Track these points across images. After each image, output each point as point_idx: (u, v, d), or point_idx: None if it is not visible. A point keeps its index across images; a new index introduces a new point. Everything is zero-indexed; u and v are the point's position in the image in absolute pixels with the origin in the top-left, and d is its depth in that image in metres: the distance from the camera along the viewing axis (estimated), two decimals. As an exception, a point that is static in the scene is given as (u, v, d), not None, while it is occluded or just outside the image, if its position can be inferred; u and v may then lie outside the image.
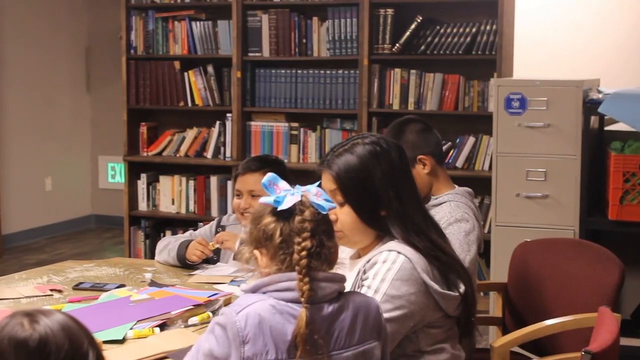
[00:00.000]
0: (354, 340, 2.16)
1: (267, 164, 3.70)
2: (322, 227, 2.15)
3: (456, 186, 3.33)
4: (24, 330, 1.57)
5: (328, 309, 2.12)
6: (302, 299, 2.07)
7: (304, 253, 2.09)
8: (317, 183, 2.25)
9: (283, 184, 2.18)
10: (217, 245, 3.65)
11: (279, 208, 2.13)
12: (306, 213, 2.12)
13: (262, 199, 2.17)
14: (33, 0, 8.37)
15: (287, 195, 2.14)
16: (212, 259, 3.74)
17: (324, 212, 2.16)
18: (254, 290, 2.13)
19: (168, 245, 3.72)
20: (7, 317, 1.60)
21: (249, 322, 2.04)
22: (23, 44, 8.25)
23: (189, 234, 3.89)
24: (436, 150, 3.32)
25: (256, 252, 2.18)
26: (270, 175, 2.19)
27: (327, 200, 2.18)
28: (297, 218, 2.11)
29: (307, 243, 2.09)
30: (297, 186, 2.19)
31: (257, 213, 2.20)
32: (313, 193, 2.17)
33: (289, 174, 3.70)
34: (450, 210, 3.16)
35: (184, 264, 3.62)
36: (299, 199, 2.13)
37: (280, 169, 3.67)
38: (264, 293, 2.11)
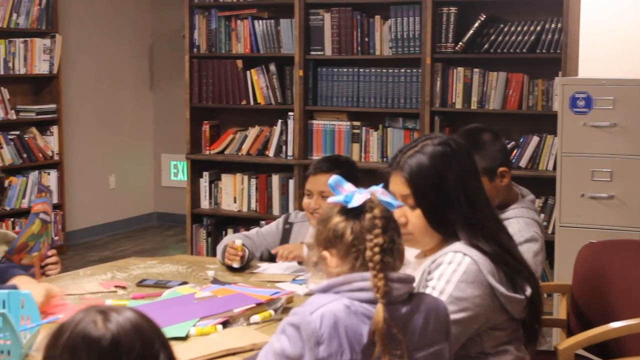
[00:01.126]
0: (426, 341, 2.15)
1: (338, 165, 3.69)
2: (392, 224, 2.15)
3: (518, 192, 3.29)
4: (97, 329, 1.56)
5: (401, 310, 2.11)
6: (378, 295, 2.06)
7: (377, 249, 2.08)
8: (381, 185, 2.23)
9: (348, 186, 2.17)
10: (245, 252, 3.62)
11: (349, 206, 2.13)
12: (376, 210, 2.11)
13: (331, 199, 2.17)
14: None
15: (356, 193, 2.13)
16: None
17: (393, 210, 2.15)
18: (326, 290, 2.12)
19: (225, 242, 3.73)
20: (80, 313, 1.60)
21: (324, 322, 2.03)
22: (88, 42, 8.35)
23: (255, 231, 3.89)
24: (510, 161, 3.29)
25: (325, 252, 2.16)
26: (335, 177, 2.18)
27: (392, 199, 2.17)
28: (368, 215, 2.11)
29: (380, 239, 2.09)
30: (361, 189, 2.18)
31: (325, 214, 2.19)
32: (380, 192, 2.16)
33: (358, 174, 3.70)
34: (520, 228, 3.12)
35: (229, 268, 3.61)
36: (368, 196, 2.13)
37: (351, 170, 3.66)
38: (336, 293, 2.10)
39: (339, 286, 2.10)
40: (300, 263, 3.52)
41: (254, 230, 3.91)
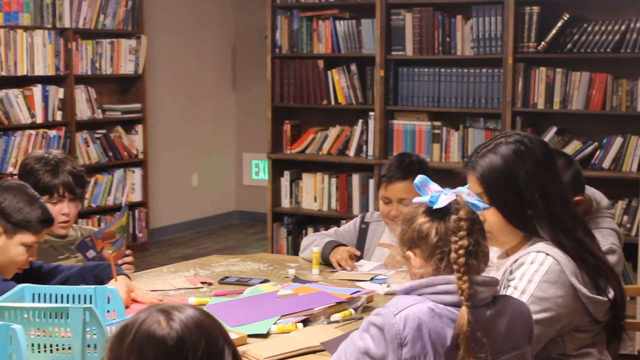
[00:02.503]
0: (509, 344, 2.14)
1: (413, 170, 3.64)
2: (477, 225, 2.14)
3: (592, 199, 3.22)
4: (161, 328, 1.59)
5: (486, 313, 2.11)
6: (462, 298, 2.05)
7: (462, 251, 2.08)
8: (467, 186, 2.23)
9: (434, 186, 2.17)
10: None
11: (434, 207, 2.13)
12: (461, 212, 2.11)
13: (416, 199, 2.17)
14: (181, 0, 8.60)
15: (441, 194, 2.13)
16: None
17: (479, 211, 2.15)
18: (409, 291, 2.12)
19: (313, 242, 3.75)
20: (142, 313, 1.62)
21: (407, 324, 2.03)
22: (172, 43, 8.48)
23: (333, 231, 3.91)
24: (583, 186, 3.22)
25: (409, 252, 2.17)
26: (421, 177, 2.18)
27: (478, 201, 2.17)
28: (453, 217, 2.10)
29: (465, 242, 2.08)
30: (447, 188, 2.18)
31: (409, 214, 2.19)
32: (466, 193, 2.16)
33: (432, 174, 3.69)
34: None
35: (326, 263, 3.64)
36: (454, 197, 2.12)
37: (425, 172, 3.64)
38: (419, 295, 2.10)
39: (422, 288, 2.10)
40: (385, 277, 3.48)
41: (332, 230, 3.93)
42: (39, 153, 3.58)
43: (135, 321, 1.61)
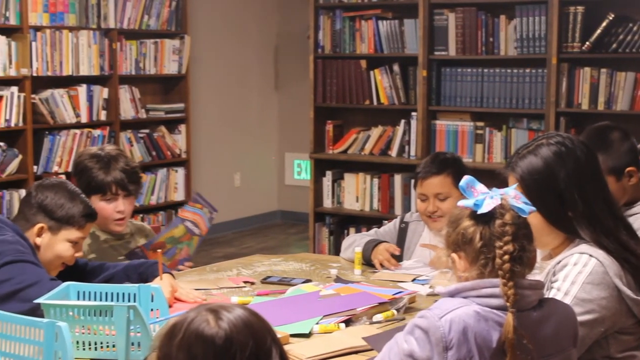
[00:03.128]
0: (556, 347, 2.13)
1: (448, 165, 3.67)
2: (523, 230, 2.11)
3: None
4: (210, 328, 1.60)
5: (532, 316, 2.09)
6: (508, 304, 2.03)
7: (506, 257, 2.05)
8: (514, 186, 2.21)
9: (480, 187, 2.15)
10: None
11: (479, 211, 2.10)
12: (507, 216, 2.08)
13: (461, 202, 2.14)
14: (224, 0, 8.63)
15: (487, 198, 2.11)
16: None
17: (525, 215, 2.12)
18: (454, 294, 2.11)
19: (354, 242, 3.75)
20: (191, 312, 1.64)
21: (453, 327, 2.02)
22: (215, 43, 8.52)
23: (373, 231, 3.90)
24: (637, 158, 3.22)
25: (454, 255, 2.16)
26: (468, 178, 2.17)
27: (525, 203, 2.14)
28: (498, 221, 2.08)
29: (509, 247, 2.06)
30: (494, 189, 2.16)
31: (455, 216, 2.17)
32: (512, 196, 2.13)
33: (467, 171, 3.68)
34: None
35: (367, 263, 3.64)
36: (499, 202, 2.10)
37: (460, 168, 3.66)
38: (464, 297, 2.09)
39: (467, 291, 2.09)
40: (427, 278, 3.46)
41: (372, 230, 3.93)
42: (92, 150, 3.60)
43: (184, 320, 1.63)
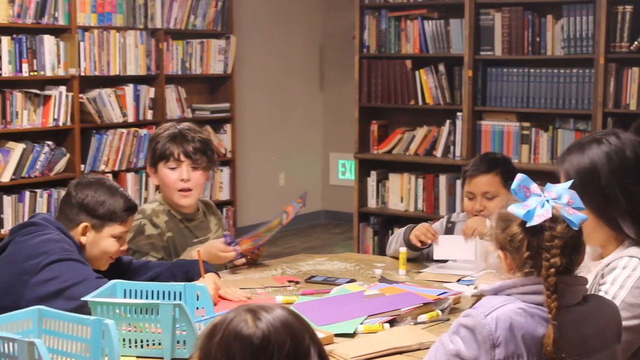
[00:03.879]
0: (601, 343, 2.11)
1: (497, 164, 3.67)
2: (571, 242, 2.07)
3: None
4: (248, 327, 1.62)
5: (577, 312, 2.08)
6: (550, 316, 2.02)
7: (552, 271, 2.03)
8: (568, 184, 2.16)
9: (534, 187, 2.10)
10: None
11: (529, 224, 2.06)
12: (557, 229, 2.04)
13: (512, 208, 2.09)
14: (270, 0, 8.66)
15: (538, 207, 2.06)
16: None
17: (575, 228, 2.07)
18: (497, 291, 2.11)
19: (395, 236, 3.75)
20: (231, 312, 1.66)
21: (499, 325, 2.02)
22: (261, 43, 8.55)
23: None
24: None
25: (500, 252, 2.14)
26: (521, 177, 2.12)
27: (577, 208, 2.10)
28: (547, 234, 2.04)
29: (556, 260, 2.03)
30: (548, 185, 2.12)
31: (504, 215, 2.14)
32: (565, 201, 2.08)
33: (516, 171, 3.65)
34: None
35: (410, 247, 3.61)
36: (550, 215, 2.05)
37: (509, 168, 3.66)
38: (508, 295, 2.08)
39: (511, 288, 2.08)
40: (472, 279, 3.43)
41: None
42: (163, 129, 3.59)
43: (224, 320, 1.65)
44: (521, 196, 2.11)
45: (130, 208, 3.05)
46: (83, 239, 2.98)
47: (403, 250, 3.56)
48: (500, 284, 2.11)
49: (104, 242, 3.00)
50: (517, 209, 2.09)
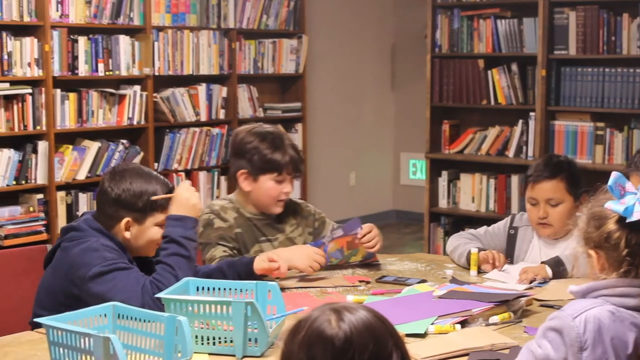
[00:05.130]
0: None
1: (562, 169, 3.54)
2: None
3: None
4: (331, 328, 1.59)
5: None
6: None
7: None
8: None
9: (629, 185, 2.06)
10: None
11: (629, 219, 2.02)
12: None
13: (609, 204, 2.06)
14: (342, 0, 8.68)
15: (637, 204, 2.02)
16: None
17: None
18: (586, 293, 2.07)
19: (458, 247, 3.69)
20: (316, 311, 1.63)
21: (588, 327, 1.98)
22: (332, 42, 8.56)
23: (483, 230, 3.80)
24: None
25: (592, 252, 2.10)
26: (615, 175, 2.08)
27: None
28: None
29: None
30: None
31: (598, 213, 2.10)
32: None
33: (580, 175, 3.59)
34: None
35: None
36: None
37: (574, 173, 3.55)
38: (596, 297, 2.05)
39: (603, 289, 2.04)
40: (544, 282, 3.35)
41: (482, 229, 3.82)
42: (255, 128, 3.56)
43: (308, 318, 1.62)
44: (616, 193, 2.06)
45: (170, 191, 2.99)
46: (127, 234, 2.94)
47: (474, 251, 3.53)
48: (589, 286, 2.06)
49: (149, 232, 2.96)
50: (615, 206, 2.05)
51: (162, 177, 3.03)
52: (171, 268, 2.84)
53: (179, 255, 2.87)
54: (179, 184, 3.04)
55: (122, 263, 2.84)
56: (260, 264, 3.13)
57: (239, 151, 3.54)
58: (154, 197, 2.94)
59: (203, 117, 6.99)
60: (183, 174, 6.79)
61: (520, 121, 6.62)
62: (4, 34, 5.60)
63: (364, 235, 3.50)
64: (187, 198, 2.95)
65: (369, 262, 3.66)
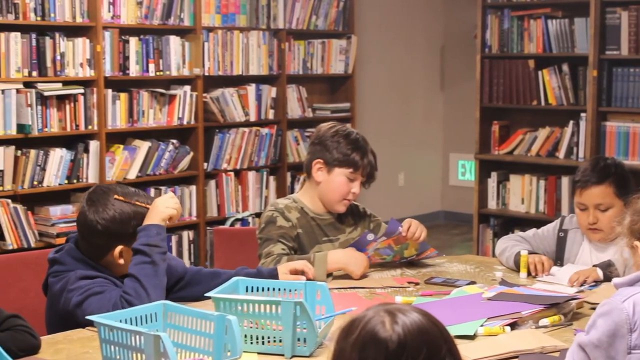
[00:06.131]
0: None
1: (609, 173, 3.48)
2: None
3: None
4: (385, 330, 1.57)
5: None
6: None
7: None
8: None
9: None
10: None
11: None
12: None
13: None
14: (391, 0, 8.66)
15: None
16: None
17: None
18: (634, 282, 2.07)
19: (506, 250, 3.66)
20: (370, 311, 1.62)
21: (637, 309, 1.99)
22: (381, 43, 8.56)
23: (532, 232, 3.77)
24: None
25: (637, 243, 2.11)
26: None
27: None
28: None
29: None
30: None
31: None
32: None
33: (629, 177, 3.54)
34: None
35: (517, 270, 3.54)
36: None
37: (622, 176, 3.50)
38: None
39: None
40: (594, 284, 3.32)
41: (531, 232, 3.78)
42: (341, 127, 3.64)
43: (362, 318, 1.61)
44: None
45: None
46: (122, 261, 2.88)
47: (524, 253, 3.50)
48: (637, 274, 2.07)
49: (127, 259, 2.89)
50: None
51: (141, 192, 2.96)
52: (135, 278, 2.77)
53: (143, 263, 2.80)
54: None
55: (97, 287, 2.79)
56: (282, 277, 3.14)
57: (320, 141, 3.59)
58: (138, 204, 2.88)
59: (252, 117, 7.02)
60: (232, 174, 6.83)
61: (571, 122, 6.56)
62: (57, 35, 5.68)
63: (407, 231, 3.49)
64: (156, 206, 2.88)
65: (425, 258, 3.68)
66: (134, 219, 2.85)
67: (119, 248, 2.86)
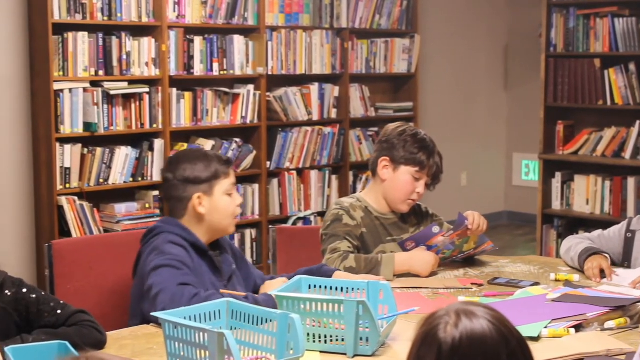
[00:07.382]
0: None
1: None
2: None
3: None
4: (444, 331, 1.55)
5: None
6: None
7: None
8: None
9: None
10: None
11: None
12: None
13: None
14: None
15: None
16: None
17: None
18: None
19: (570, 249, 3.63)
20: (449, 306, 1.60)
21: None
22: (445, 42, 8.52)
23: (597, 233, 3.72)
24: None
25: None
26: None
27: None
28: None
29: None
30: None
31: None
32: None
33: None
34: None
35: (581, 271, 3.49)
36: None
37: None
38: None
39: None
40: None
41: (596, 233, 3.73)
42: (407, 128, 3.68)
43: (435, 313, 1.60)
44: None
45: (227, 161, 3.10)
46: (201, 209, 3.02)
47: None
48: None
49: (220, 203, 3.04)
50: None
51: (211, 151, 3.16)
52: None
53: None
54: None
55: (179, 264, 2.86)
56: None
57: (387, 140, 3.63)
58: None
59: (315, 117, 7.04)
60: (295, 172, 6.85)
61: (638, 122, 6.48)
62: (123, 35, 5.75)
63: (472, 223, 3.49)
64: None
65: (482, 252, 3.67)
66: (206, 166, 3.03)
67: (196, 195, 3.01)
